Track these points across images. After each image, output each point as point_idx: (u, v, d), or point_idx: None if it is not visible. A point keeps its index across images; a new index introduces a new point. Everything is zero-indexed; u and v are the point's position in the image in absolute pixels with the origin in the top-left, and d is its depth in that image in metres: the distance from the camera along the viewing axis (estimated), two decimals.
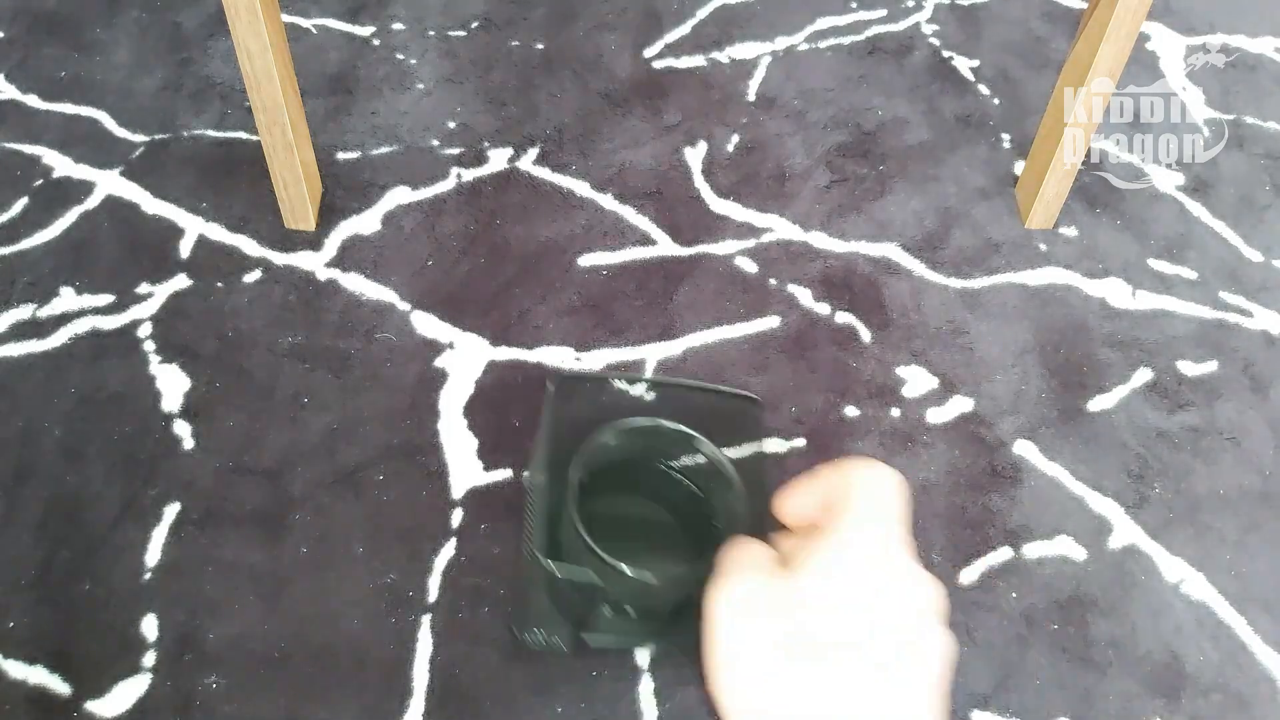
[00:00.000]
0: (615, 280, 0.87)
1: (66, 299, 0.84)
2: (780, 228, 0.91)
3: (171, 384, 0.80)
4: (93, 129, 0.95)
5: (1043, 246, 0.91)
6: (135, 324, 0.83)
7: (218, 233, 0.89)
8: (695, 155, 0.96)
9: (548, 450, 0.66)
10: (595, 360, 0.82)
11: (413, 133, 0.96)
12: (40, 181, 0.92)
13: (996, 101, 1.02)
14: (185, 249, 0.88)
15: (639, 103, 1.00)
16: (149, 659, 0.68)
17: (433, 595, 0.71)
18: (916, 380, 0.82)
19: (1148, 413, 0.82)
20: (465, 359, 0.82)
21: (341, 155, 0.94)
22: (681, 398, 0.71)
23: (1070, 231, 0.92)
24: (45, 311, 0.84)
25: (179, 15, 1.05)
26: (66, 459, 0.76)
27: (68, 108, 0.97)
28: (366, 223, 0.90)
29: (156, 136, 0.95)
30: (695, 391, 0.71)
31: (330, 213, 0.90)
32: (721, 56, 1.04)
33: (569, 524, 0.61)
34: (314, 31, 1.04)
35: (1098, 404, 0.82)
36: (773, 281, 0.88)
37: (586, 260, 0.88)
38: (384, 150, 0.95)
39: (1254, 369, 0.85)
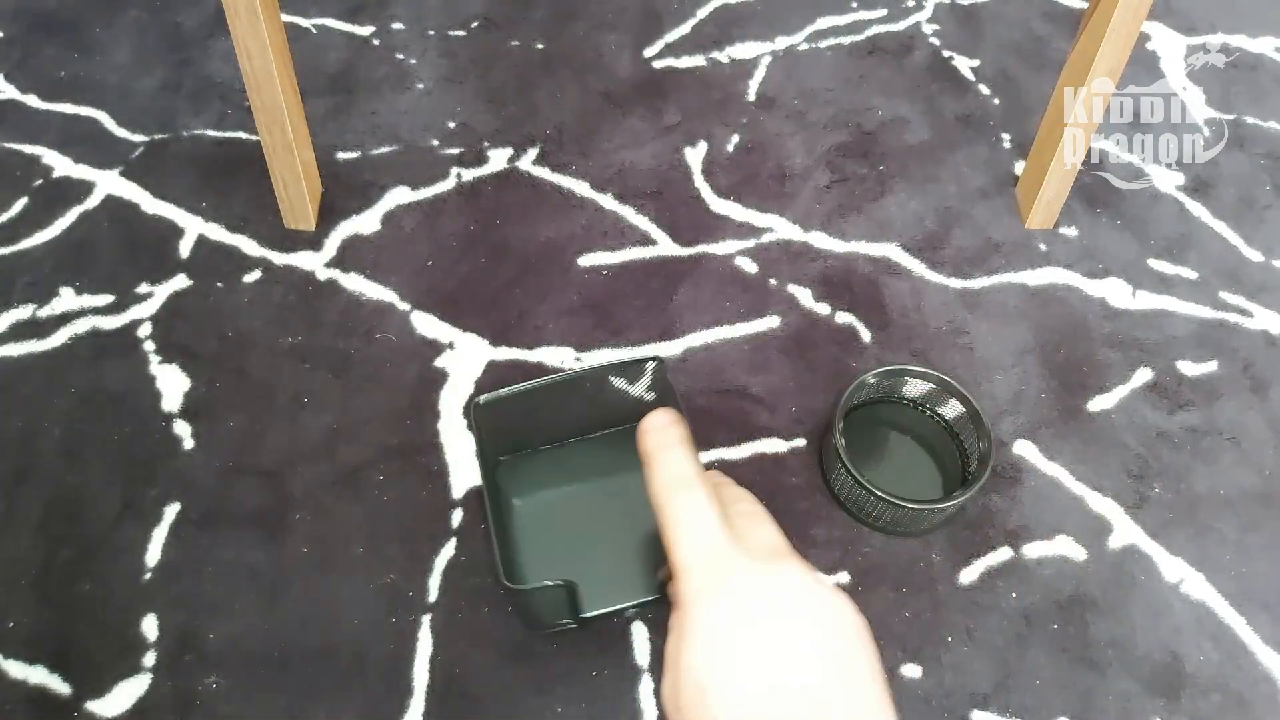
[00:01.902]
0: (615, 280, 0.87)
1: (66, 299, 0.84)
2: (780, 228, 0.91)
3: (171, 384, 0.80)
4: (92, 129, 0.95)
5: (1043, 246, 0.91)
6: (135, 324, 0.83)
7: (218, 233, 0.89)
8: (695, 155, 0.96)
9: (481, 472, 0.71)
10: (595, 360, 0.82)
11: (412, 132, 0.96)
12: (40, 181, 0.92)
13: (997, 101, 1.02)
14: (185, 249, 0.88)
15: (639, 103, 1.00)
16: (149, 659, 0.68)
17: (433, 595, 0.71)
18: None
19: (1148, 413, 0.82)
20: (465, 359, 0.82)
21: (341, 155, 0.94)
22: (599, 380, 0.73)
23: (1070, 231, 0.92)
24: (45, 311, 0.84)
25: (179, 15, 1.05)
26: (66, 459, 0.76)
27: (67, 107, 0.97)
28: (366, 223, 0.90)
29: (156, 136, 0.95)
30: (607, 371, 0.73)
31: (330, 213, 0.90)
32: (721, 56, 1.04)
33: None
34: (314, 31, 1.04)
35: (1098, 404, 0.82)
36: (773, 281, 0.88)
37: (586, 260, 0.88)
38: (384, 150, 0.95)
39: (1254, 369, 0.85)
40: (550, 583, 0.63)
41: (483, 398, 0.70)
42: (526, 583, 0.68)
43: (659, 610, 0.71)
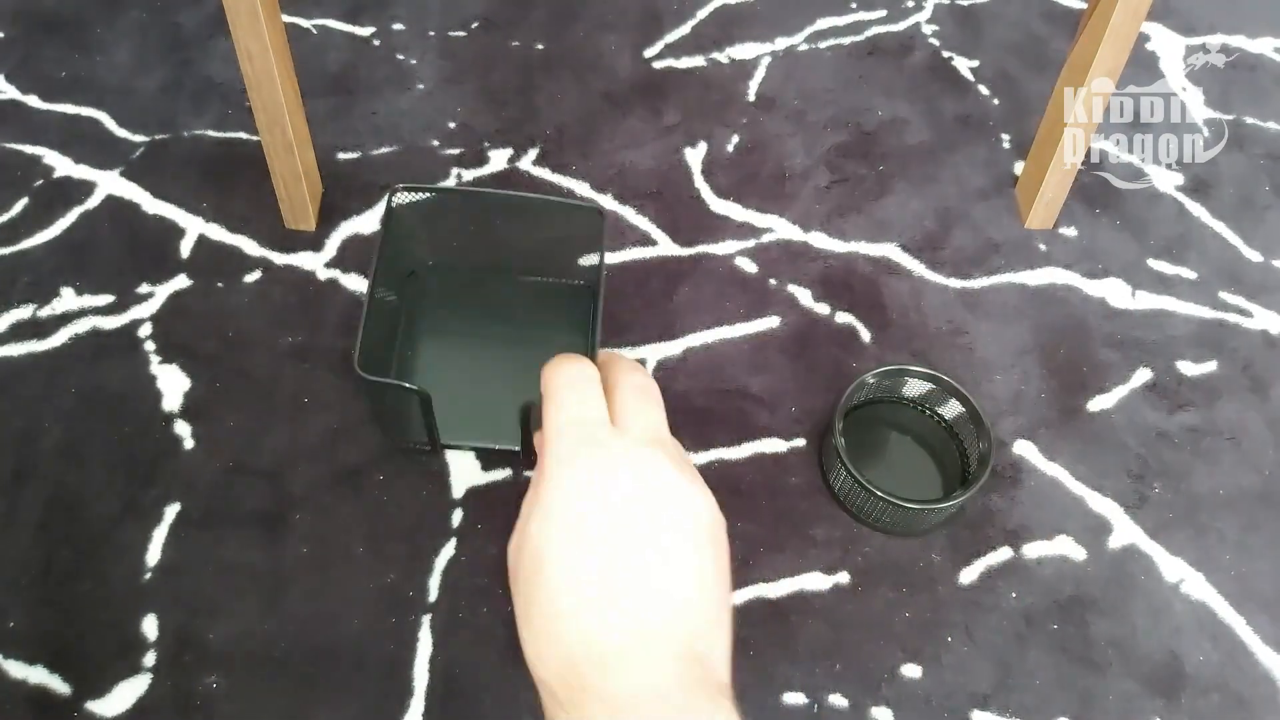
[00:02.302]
0: (615, 280, 0.87)
1: (67, 299, 0.84)
2: (780, 228, 0.91)
3: (172, 384, 0.80)
4: (93, 129, 0.95)
5: (1042, 246, 0.91)
6: (135, 324, 0.83)
7: (218, 233, 0.89)
8: (695, 155, 0.96)
9: (384, 263, 0.66)
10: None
11: (413, 133, 0.96)
12: (41, 181, 0.92)
13: (996, 102, 1.02)
14: (186, 249, 0.88)
15: (639, 103, 1.00)
16: (149, 659, 0.68)
17: (433, 595, 0.71)
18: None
19: (1147, 413, 0.82)
20: None
21: (342, 155, 0.94)
22: (526, 209, 0.69)
23: (1070, 232, 0.92)
24: (45, 311, 0.84)
25: (179, 15, 1.05)
26: (67, 459, 0.76)
27: (68, 108, 0.97)
28: (367, 223, 0.90)
29: (157, 136, 0.95)
30: (537, 204, 0.69)
31: (331, 213, 0.90)
32: (721, 57, 1.04)
33: None
34: (314, 32, 1.04)
35: (1097, 404, 0.82)
36: (773, 281, 0.88)
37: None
38: (384, 150, 0.95)
39: (1253, 369, 0.85)
40: (403, 384, 0.59)
41: (406, 186, 0.65)
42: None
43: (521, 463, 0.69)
